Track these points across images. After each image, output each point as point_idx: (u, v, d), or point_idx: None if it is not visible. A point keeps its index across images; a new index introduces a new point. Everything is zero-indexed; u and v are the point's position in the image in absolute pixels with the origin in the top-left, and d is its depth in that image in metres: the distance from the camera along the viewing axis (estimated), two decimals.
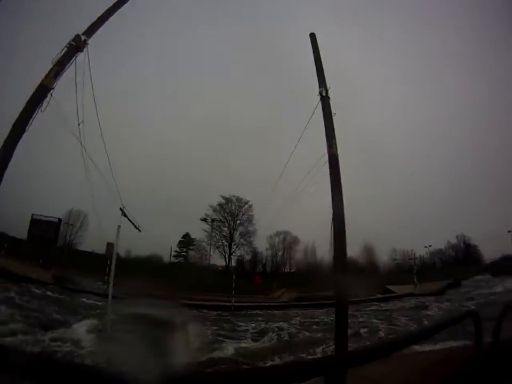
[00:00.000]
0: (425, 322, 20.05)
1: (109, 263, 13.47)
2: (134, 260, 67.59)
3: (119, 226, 13.81)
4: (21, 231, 49.92)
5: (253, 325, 21.82)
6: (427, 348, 5.18)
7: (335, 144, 3.46)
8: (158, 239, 67.01)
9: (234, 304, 30.05)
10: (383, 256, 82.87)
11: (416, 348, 4.15)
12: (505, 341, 3.64)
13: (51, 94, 7.67)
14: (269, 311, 30.64)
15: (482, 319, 3.13)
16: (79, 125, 9.17)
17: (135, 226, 15.66)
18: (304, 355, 14.73)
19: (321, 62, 4.20)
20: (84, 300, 24.35)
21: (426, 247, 72.03)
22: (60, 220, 52.77)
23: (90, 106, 10.12)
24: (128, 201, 14.75)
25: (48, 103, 7.88)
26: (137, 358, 0.95)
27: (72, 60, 5.60)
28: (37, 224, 50.56)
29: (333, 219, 2.61)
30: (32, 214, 50.32)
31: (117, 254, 15.46)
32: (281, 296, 43.71)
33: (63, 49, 6.75)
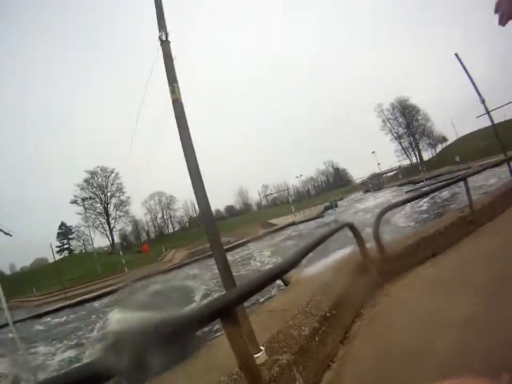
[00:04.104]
0: None
1: None
2: (19, 273, 60.86)
3: None
4: None
5: None
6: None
7: (177, 88, 3.24)
8: (36, 239, 61.24)
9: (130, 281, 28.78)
10: (257, 194, 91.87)
11: (309, 271, 4.43)
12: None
13: None
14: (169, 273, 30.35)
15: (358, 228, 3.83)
16: None
17: (4, 232, 13.21)
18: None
19: (161, 5, 3.69)
20: None
21: (297, 177, 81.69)
22: None
23: None
24: None
25: None
26: None
27: None
28: None
29: (189, 171, 2.45)
30: None
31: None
32: (173, 257, 43.82)
33: None
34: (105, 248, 69.08)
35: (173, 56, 3.48)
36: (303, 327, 2.59)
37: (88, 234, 66.55)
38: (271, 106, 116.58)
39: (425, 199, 24.66)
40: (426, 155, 78.68)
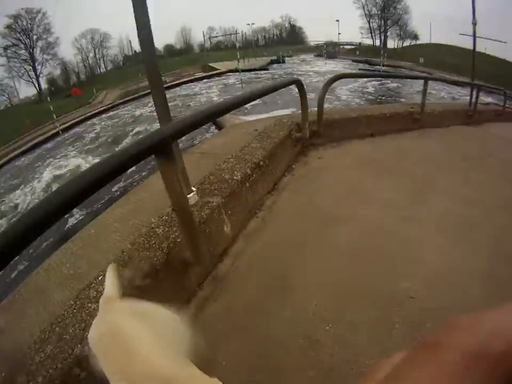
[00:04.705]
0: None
1: None
2: None
3: None
4: None
5: None
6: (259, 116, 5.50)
7: None
8: None
9: (61, 128, 27.52)
10: (201, 36, 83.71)
11: (248, 118, 4.32)
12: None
13: None
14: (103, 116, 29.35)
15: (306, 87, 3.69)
16: None
17: None
18: None
19: None
20: None
21: (249, 24, 74.98)
22: None
23: None
24: None
25: None
26: None
27: None
28: None
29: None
30: None
31: None
32: (105, 99, 40.90)
33: None
34: (32, 97, 62.42)
35: None
36: (235, 172, 2.60)
37: (13, 85, 59.58)
38: None
39: (374, 83, 24.95)
40: (392, 44, 74.34)
